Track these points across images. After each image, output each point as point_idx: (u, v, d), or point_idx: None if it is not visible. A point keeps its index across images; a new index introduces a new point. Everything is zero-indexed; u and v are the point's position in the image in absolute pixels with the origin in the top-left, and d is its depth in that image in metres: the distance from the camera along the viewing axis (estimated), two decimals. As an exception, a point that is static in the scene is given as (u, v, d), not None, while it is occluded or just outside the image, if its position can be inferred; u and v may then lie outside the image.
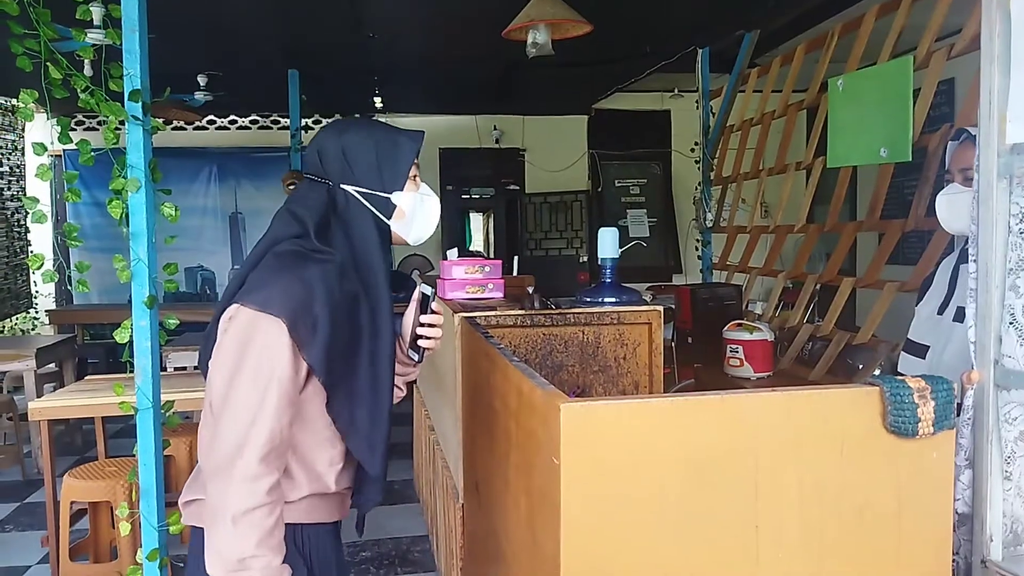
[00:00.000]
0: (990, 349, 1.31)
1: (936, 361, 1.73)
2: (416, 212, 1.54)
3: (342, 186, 1.48)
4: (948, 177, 1.78)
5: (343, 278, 1.42)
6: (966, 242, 1.75)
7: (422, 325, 1.57)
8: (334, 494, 1.50)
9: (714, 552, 1.18)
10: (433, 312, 1.57)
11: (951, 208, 1.72)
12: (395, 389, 1.55)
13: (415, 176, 1.55)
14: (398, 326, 1.56)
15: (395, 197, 1.50)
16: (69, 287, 6.38)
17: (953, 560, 1.33)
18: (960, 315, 1.68)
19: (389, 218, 1.51)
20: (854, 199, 6.12)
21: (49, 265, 2.18)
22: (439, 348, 1.66)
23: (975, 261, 1.36)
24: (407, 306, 1.59)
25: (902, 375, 1.79)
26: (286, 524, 1.39)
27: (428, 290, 1.58)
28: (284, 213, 1.48)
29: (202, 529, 1.43)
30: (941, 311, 1.76)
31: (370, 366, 1.45)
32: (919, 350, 1.79)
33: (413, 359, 1.57)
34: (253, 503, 1.29)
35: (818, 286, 3.71)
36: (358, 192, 1.48)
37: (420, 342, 1.57)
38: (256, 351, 1.32)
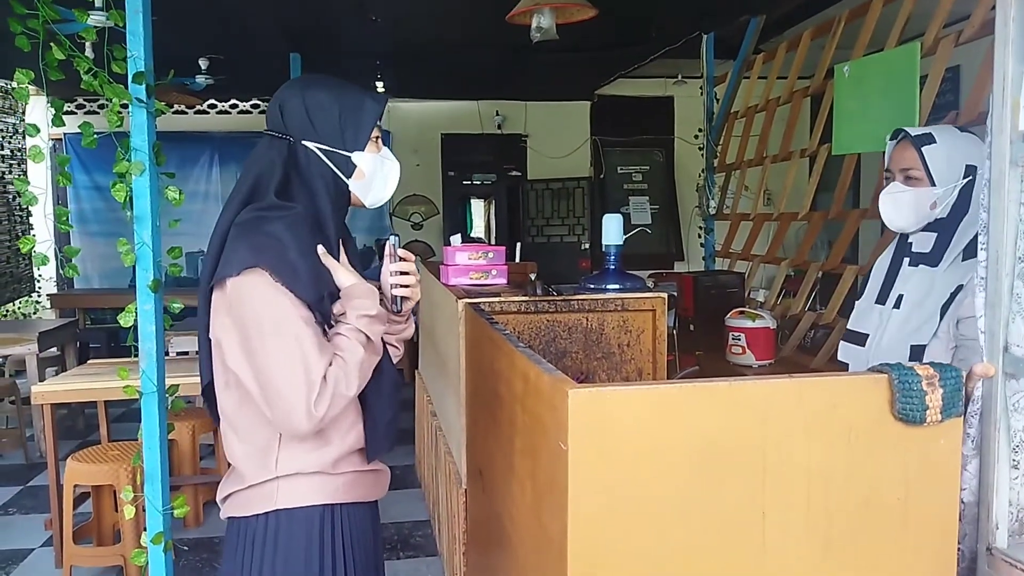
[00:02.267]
0: (1000, 337, 1.30)
1: (875, 347, 1.75)
2: (376, 174, 1.51)
3: (303, 142, 1.45)
4: (888, 176, 1.76)
5: (312, 229, 1.41)
6: (904, 238, 1.75)
7: (393, 275, 1.54)
8: (369, 471, 1.49)
9: (720, 537, 1.18)
10: (401, 259, 1.54)
11: (896, 207, 1.71)
12: (390, 348, 1.52)
13: (377, 138, 1.52)
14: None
15: (356, 157, 1.47)
16: (61, 271, 6.35)
17: (958, 548, 1.33)
18: (899, 302, 1.71)
19: (349, 177, 1.48)
20: (857, 187, 6.10)
21: (46, 249, 2.17)
22: (426, 306, 1.65)
23: (984, 249, 1.35)
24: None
25: (843, 363, 1.81)
26: (324, 505, 1.40)
27: (392, 238, 1.55)
28: (240, 180, 1.44)
29: (240, 520, 1.42)
30: (881, 300, 1.78)
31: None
32: (859, 338, 1.82)
33: (395, 312, 1.54)
34: (331, 393, 1.30)
35: (820, 274, 3.70)
36: (319, 149, 1.45)
37: (394, 291, 1.53)
38: (257, 309, 1.30)
